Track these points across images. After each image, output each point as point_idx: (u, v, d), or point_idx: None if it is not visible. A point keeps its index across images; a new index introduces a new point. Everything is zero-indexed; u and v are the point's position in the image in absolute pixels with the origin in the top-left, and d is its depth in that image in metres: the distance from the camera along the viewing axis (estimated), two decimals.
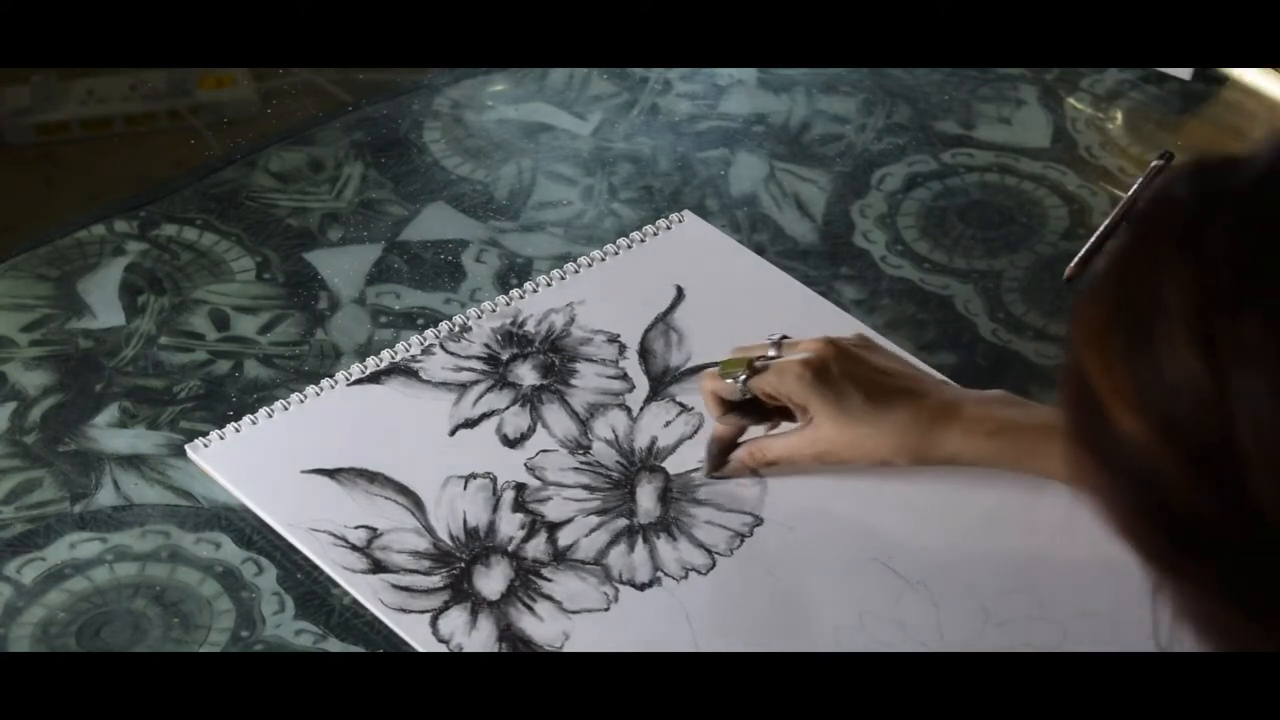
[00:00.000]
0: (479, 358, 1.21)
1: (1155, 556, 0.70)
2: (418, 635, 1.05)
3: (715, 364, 1.12)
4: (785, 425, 1.12)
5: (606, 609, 1.06)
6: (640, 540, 1.10)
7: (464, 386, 1.19)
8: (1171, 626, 0.72)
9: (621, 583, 1.08)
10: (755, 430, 1.13)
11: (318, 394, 1.18)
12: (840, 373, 1.08)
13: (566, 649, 1.04)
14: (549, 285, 1.26)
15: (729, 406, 1.11)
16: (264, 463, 1.14)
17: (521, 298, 1.25)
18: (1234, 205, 0.67)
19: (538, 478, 1.13)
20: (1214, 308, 0.65)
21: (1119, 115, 1.43)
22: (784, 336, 1.11)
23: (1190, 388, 0.65)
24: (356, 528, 1.10)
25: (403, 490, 1.12)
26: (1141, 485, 0.68)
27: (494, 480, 1.13)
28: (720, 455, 1.13)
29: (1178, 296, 0.66)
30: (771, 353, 1.10)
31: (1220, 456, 0.65)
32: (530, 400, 1.18)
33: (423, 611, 1.06)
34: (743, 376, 1.09)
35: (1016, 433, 1.08)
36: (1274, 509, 0.64)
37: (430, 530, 1.10)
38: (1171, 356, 0.65)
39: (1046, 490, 1.12)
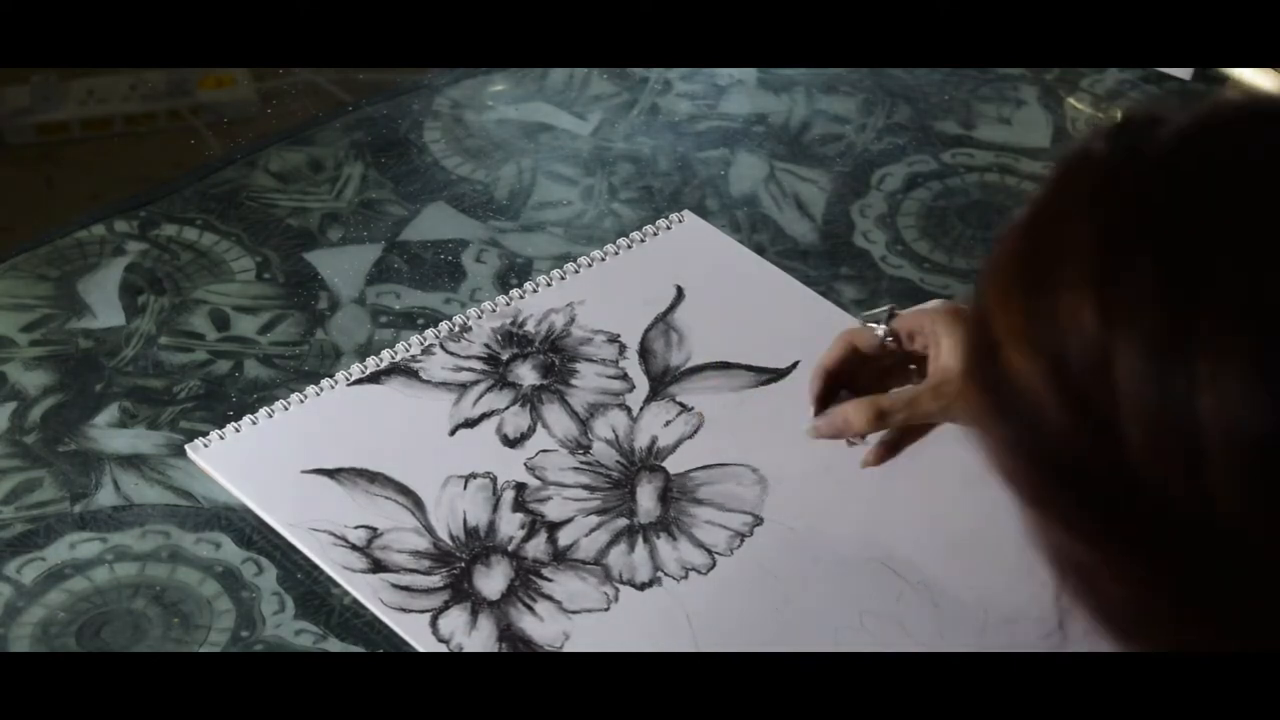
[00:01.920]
0: (479, 358, 1.21)
1: (1031, 496, 0.71)
2: (418, 635, 1.05)
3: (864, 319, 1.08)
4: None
5: (606, 609, 1.06)
6: (640, 540, 1.10)
7: (464, 386, 1.19)
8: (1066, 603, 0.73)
9: (621, 583, 1.08)
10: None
11: (318, 394, 1.18)
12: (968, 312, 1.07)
13: (566, 649, 1.04)
14: (549, 285, 1.26)
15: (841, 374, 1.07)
16: (264, 463, 1.14)
17: (521, 298, 1.25)
18: (1145, 162, 0.68)
19: (538, 478, 1.13)
20: (1110, 258, 0.66)
21: (1119, 115, 1.43)
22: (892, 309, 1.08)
23: (1078, 333, 0.66)
24: (356, 528, 1.10)
25: (403, 490, 1.12)
26: (1025, 424, 0.68)
27: (494, 480, 1.13)
28: (827, 393, 1.07)
29: (1080, 245, 0.67)
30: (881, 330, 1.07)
31: (1099, 403, 0.66)
32: (530, 400, 1.18)
33: (423, 611, 1.06)
34: (885, 317, 1.06)
35: None
36: (1140, 455, 0.65)
37: (430, 530, 1.10)
38: (1066, 301, 0.66)
39: None
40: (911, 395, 1.04)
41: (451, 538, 1.10)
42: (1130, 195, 0.67)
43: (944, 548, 1.09)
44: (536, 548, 1.09)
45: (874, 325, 1.06)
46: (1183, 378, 0.64)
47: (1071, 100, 1.43)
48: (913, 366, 1.07)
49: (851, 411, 1.05)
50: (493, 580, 1.08)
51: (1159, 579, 0.68)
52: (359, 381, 1.19)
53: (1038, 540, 0.72)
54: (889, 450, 1.08)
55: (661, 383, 1.20)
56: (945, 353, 1.04)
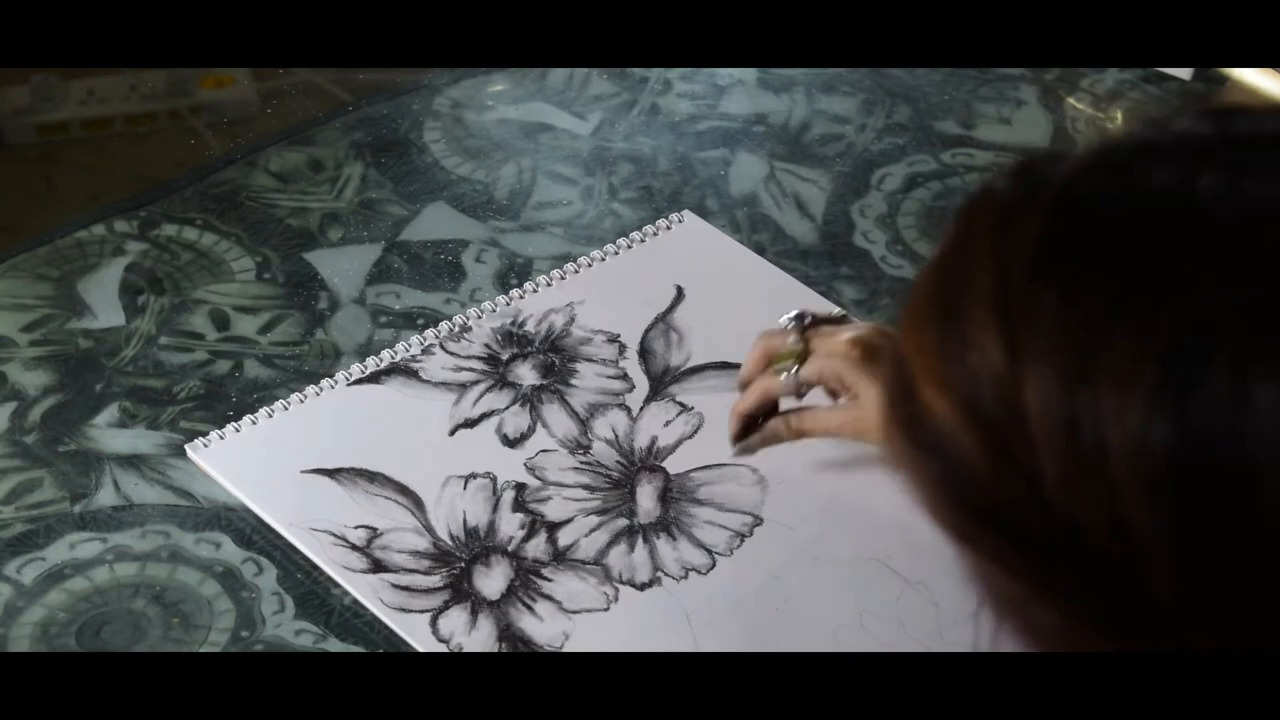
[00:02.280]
0: (479, 358, 1.21)
1: (957, 533, 0.71)
2: (418, 635, 1.05)
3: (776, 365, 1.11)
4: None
5: (606, 609, 1.06)
6: (640, 540, 1.10)
7: (464, 386, 1.19)
8: (990, 628, 0.74)
9: (621, 583, 1.08)
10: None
11: (318, 394, 1.18)
12: (887, 352, 1.09)
13: (566, 649, 1.04)
14: (549, 285, 1.26)
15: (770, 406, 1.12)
16: (264, 463, 1.14)
17: (521, 298, 1.25)
18: (1043, 200, 0.68)
19: (538, 478, 1.13)
20: (1014, 296, 0.67)
21: (1119, 115, 1.43)
22: (800, 316, 1.11)
23: (988, 371, 0.67)
24: (356, 528, 1.10)
25: (403, 490, 1.12)
26: (945, 464, 0.69)
27: (494, 480, 1.13)
28: (746, 428, 1.12)
29: (984, 284, 0.68)
30: (791, 339, 1.11)
31: (1014, 440, 0.66)
32: (530, 400, 1.18)
33: (423, 611, 1.06)
34: (795, 369, 1.09)
35: None
36: (1057, 490, 0.66)
37: (430, 530, 1.10)
38: (974, 340, 0.67)
39: None
40: (834, 428, 1.10)
41: (451, 538, 1.10)
42: (1030, 234, 0.68)
43: (944, 548, 1.09)
44: (536, 548, 1.09)
45: (784, 375, 1.10)
46: (1090, 412, 0.64)
47: (1071, 100, 1.43)
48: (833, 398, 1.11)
49: (776, 425, 1.11)
50: (493, 580, 1.08)
51: (1087, 608, 0.69)
52: (359, 381, 1.19)
53: (967, 574, 0.73)
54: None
55: (661, 383, 1.20)
56: (866, 404, 1.07)
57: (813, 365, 1.09)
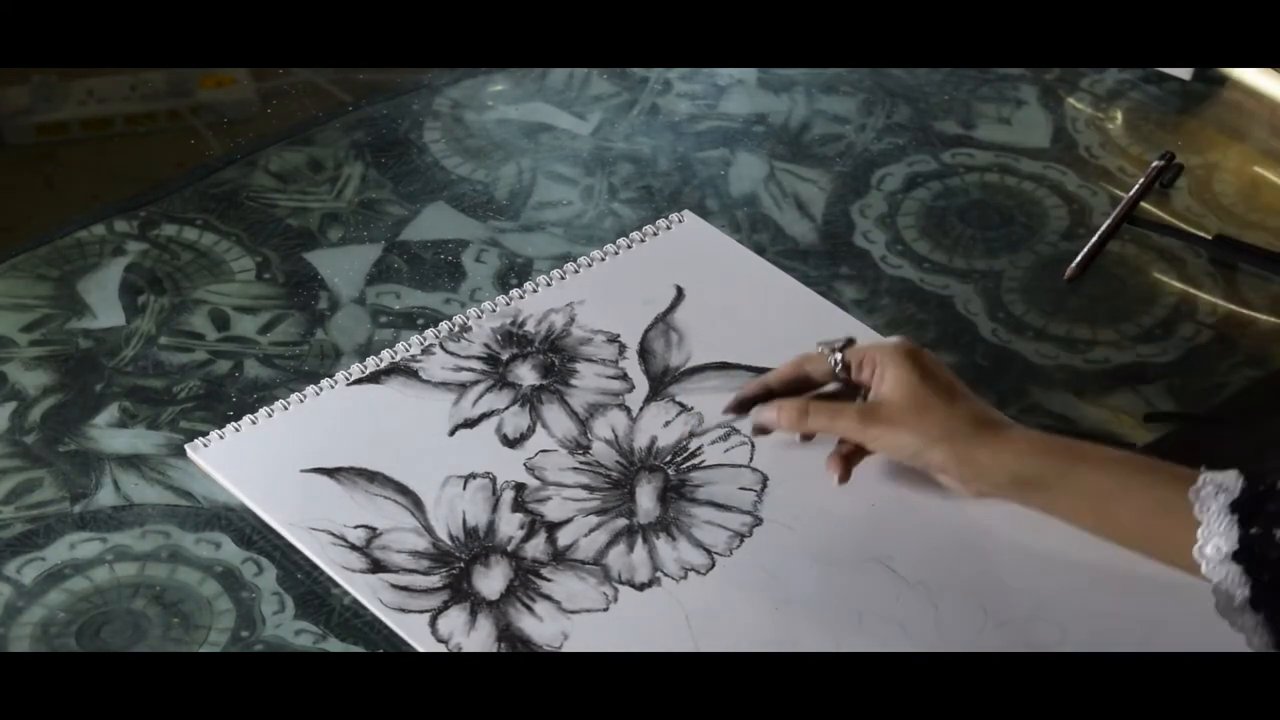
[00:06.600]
0: (479, 358, 1.21)
1: None
2: (417, 635, 1.05)
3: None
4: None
5: (606, 609, 1.07)
6: (640, 540, 1.10)
7: (464, 386, 1.19)
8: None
9: (621, 583, 1.08)
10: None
11: (318, 394, 1.18)
12: (929, 358, 1.10)
13: (566, 649, 1.04)
14: (549, 285, 1.26)
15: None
16: (264, 463, 1.14)
17: (521, 298, 1.25)
18: None
19: (537, 478, 1.13)
20: None
21: (1119, 115, 1.43)
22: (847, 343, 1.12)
23: None
24: (356, 527, 1.10)
25: (402, 490, 1.12)
26: None
27: (494, 480, 1.13)
28: (761, 398, 1.13)
29: None
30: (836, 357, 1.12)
31: None
32: (530, 400, 1.18)
33: (422, 611, 1.06)
34: (841, 349, 1.11)
35: (1053, 454, 1.09)
36: None
37: (430, 530, 1.10)
38: None
39: None
40: (837, 408, 1.10)
41: (451, 538, 1.10)
42: None
43: (944, 548, 1.10)
44: (536, 548, 1.09)
45: (827, 352, 1.11)
46: None
47: (1071, 100, 1.43)
48: (859, 400, 1.11)
49: (781, 406, 1.12)
50: (492, 580, 1.08)
51: None
52: (359, 381, 1.19)
53: None
54: (843, 462, 1.12)
55: (661, 383, 1.20)
56: (888, 384, 1.09)
57: (862, 346, 1.11)
